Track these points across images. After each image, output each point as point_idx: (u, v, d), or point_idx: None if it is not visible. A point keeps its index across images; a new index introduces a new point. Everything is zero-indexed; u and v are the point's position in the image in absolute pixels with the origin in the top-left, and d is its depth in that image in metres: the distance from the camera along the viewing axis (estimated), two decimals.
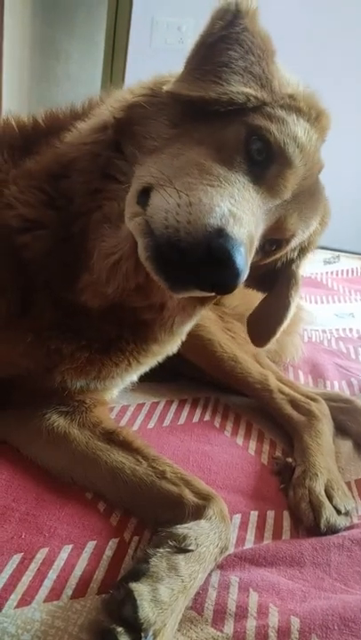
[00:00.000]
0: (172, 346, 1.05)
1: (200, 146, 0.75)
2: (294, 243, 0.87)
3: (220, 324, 1.31)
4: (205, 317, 1.25)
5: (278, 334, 0.97)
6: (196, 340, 1.24)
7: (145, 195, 0.72)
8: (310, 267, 2.69)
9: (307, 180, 0.81)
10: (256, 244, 0.75)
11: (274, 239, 0.84)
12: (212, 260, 0.63)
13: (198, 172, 0.70)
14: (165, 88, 0.78)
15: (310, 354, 1.61)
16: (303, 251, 0.95)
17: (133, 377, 1.09)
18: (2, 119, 0.96)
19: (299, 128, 0.79)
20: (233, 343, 1.29)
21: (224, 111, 0.76)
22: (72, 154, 0.85)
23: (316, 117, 0.83)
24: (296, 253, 0.94)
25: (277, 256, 0.89)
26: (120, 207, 0.79)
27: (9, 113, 0.96)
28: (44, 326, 0.88)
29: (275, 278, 0.96)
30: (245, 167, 0.75)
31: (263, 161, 0.76)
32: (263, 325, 0.99)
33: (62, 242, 0.85)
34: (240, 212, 0.68)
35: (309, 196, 0.84)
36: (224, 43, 0.77)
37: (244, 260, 0.64)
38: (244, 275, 0.65)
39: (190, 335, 1.16)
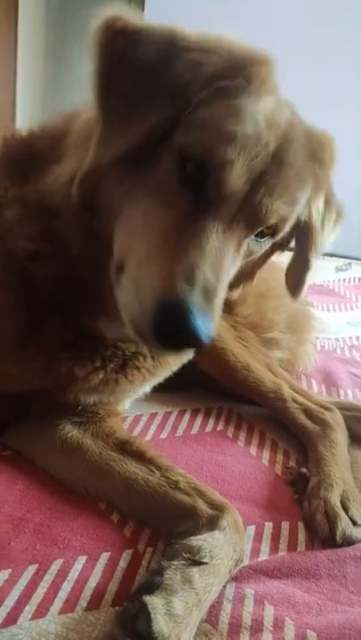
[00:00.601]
0: (187, 354, 1.05)
1: (145, 199, 0.71)
2: (289, 221, 0.79)
3: (232, 332, 1.31)
4: (218, 326, 1.24)
5: (306, 286, 0.97)
6: (209, 350, 1.24)
7: (120, 269, 0.73)
8: (322, 274, 2.68)
9: (261, 158, 0.70)
10: (224, 269, 0.71)
11: (259, 229, 0.76)
12: (170, 338, 0.65)
13: (145, 237, 0.69)
14: (92, 156, 0.72)
15: (323, 362, 1.60)
16: (313, 202, 0.84)
17: (147, 389, 1.09)
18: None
19: (223, 118, 0.69)
20: (246, 352, 1.29)
21: (153, 147, 0.70)
22: (55, 198, 0.82)
23: (246, 77, 0.71)
24: (308, 210, 0.85)
25: (278, 238, 0.82)
26: None
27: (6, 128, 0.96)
28: (54, 348, 0.88)
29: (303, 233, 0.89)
30: (186, 196, 0.70)
31: (203, 176, 0.69)
32: (295, 277, 0.97)
33: (70, 274, 0.84)
34: (186, 265, 0.65)
35: (278, 165, 0.73)
36: (120, 75, 0.70)
37: (206, 322, 0.64)
38: (212, 331, 0.66)
39: None
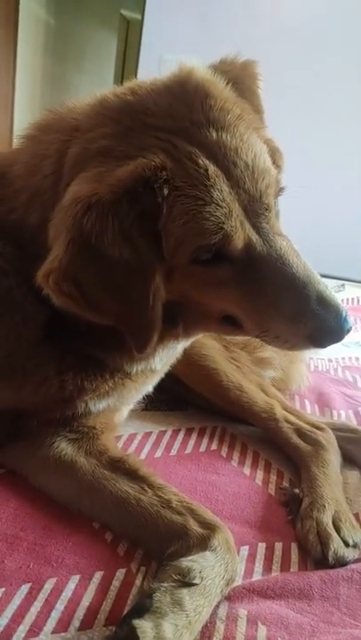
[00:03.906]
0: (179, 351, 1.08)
1: (204, 294, 0.83)
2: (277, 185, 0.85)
3: (225, 353, 1.32)
4: (210, 347, 1.27)
5: None
6: (202, 370, 1.26)
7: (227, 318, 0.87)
8: None
9: (240, 198, 0.78)
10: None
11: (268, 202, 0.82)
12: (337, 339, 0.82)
13: (238, 307, 0.83)
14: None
15: (316, 383, 1.61)
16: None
17: (149, 388, 1.11)
18: None
19: (194, 216, 0.74)
20: (238, 373, 1.30)
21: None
22: None
23: (161, 185, 0.73)
24: None
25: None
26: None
27: None
28: (49, 375, 0.91)
29: None
30: (220, 269, 0.79)
31: (216, 253, 0.78)
32: None
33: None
34: (291, 293, 0.78)
35: (252, 182, 0.79)
36: (91, 299, 0.75)
37: (341, 314, 0.79)
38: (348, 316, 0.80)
39: (196, 365, 1.18)
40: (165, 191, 0.73)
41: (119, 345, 0.88)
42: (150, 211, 0.73)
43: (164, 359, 0.99)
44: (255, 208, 0.79)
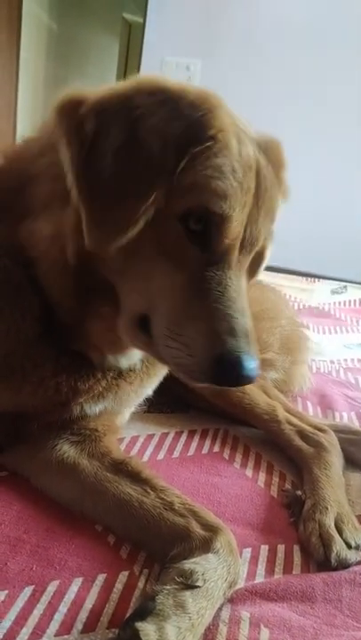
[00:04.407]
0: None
1: (156, 260, 0.76)
2: (272, 236, 0.87)
3: None
4: None
5: None
6: None
7: (144, 322, 0.79)
8: (317, 297, 2.72)
9: (246, 200, 0.78)
10: (247, 305, 0.78)
11: (255, 251, 0.84)
12: (231, 383, 0.75)
13: (171, 296, 0.76)
14: (87, 248, 0.74)
15: (319, 385, 1.61)
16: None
17: (149, 391, 1.11)
18: None
19: (211, 178, 0.74)
20: None
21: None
22: (33, 253, 0.84)
23: (212, 130, 0.75)
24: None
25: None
26: (112, 308, 0.83)
27: None
28: (46, 376, 0.90)
29: None
30: (195, 252, 0.76)
31: (203, 226, 0.75)
32: None
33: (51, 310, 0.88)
34: (226, 318, 0.73)
35: (257, 199, 0.80)
36: (89, 168, 0.71)
37: (252, 363, 0.73)
38: (256, 368, 0.74)
39: None
40: (213, 141, 0.74)
41: (91, 333, 0.89)
42: (193, 131, 0.73)
43: (125, 358, 0.96)
44: (249, 242, 0.81)
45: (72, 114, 0.73)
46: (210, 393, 1.28)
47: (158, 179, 0.72)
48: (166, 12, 3.51)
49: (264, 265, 0.89)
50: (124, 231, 0.72)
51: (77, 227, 0.75)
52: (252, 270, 0.86)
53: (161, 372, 1.08)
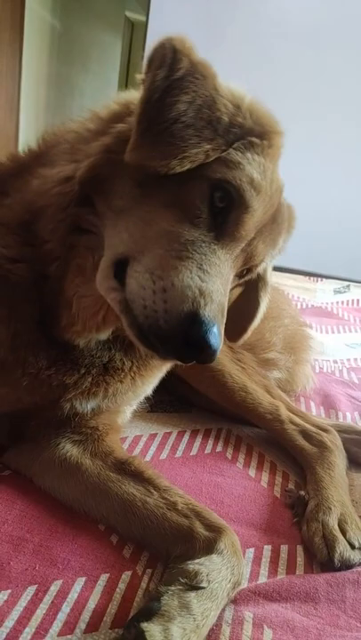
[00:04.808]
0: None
1: (167, 209, 0.76)
2: (264, 264, 0.92)
3: (230, 354, 1.32)
4: None
5: (250, 333, 1.03)
6: (207, 372, 1.26)
7: (120, 267, 0.76)
8: (320, 296, 2.71)
9: (267, 213, 0.83)
10: (227, 296, 0.77)
11: (245, 268, 0.87)
12: (190, 347, 0.69)
13: (168, 243, 0.74)
14: (126, 158, 0.76)
15: (322, 384, 1.61)
16: (271, 257, 0.96)
17: (147, 390, 1.10)
18: None
19: (254, 169, 0.79)
20: (243, 374, 1.30)
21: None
22: (40, 202, 0.86)
23: (268, 142, 0.82)
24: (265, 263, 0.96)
25: (249, 277, 0.93)
26: (94, 260, 0.82)
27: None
28: (42, 367, 0.90)
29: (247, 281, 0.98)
30: (209, 221, 0.77)
31: (225, 208, 0.78)
32: (237, 323, 1.01)
33: (42, 278, 0.87)
34: (210, 284, 0.72)
35: (272, 222, 0.86)
36: (170, 95, 0.75)
37: (218, 338, 0.70)
38: (220, 348, 0.71)
39: (200, 366, 1.17)
40: (269, 142, 0.82)
41: (61, 303, 0.88)
42: (260, 124, 0.81)
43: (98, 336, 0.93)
44: (250, 253, 0.84)
45: (181, 51, 0.77)
46: (213, 392, 1.28)
47: (216, 141, 0.77)
48: (169, 11, 3.51)
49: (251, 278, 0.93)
50: (168, 160, 0.74)
51: (109, 147, 0.79)
52: (241, 279, 0.89)
53: (157, 371, 1.07)
